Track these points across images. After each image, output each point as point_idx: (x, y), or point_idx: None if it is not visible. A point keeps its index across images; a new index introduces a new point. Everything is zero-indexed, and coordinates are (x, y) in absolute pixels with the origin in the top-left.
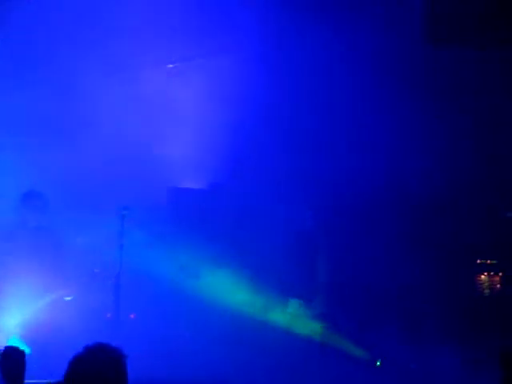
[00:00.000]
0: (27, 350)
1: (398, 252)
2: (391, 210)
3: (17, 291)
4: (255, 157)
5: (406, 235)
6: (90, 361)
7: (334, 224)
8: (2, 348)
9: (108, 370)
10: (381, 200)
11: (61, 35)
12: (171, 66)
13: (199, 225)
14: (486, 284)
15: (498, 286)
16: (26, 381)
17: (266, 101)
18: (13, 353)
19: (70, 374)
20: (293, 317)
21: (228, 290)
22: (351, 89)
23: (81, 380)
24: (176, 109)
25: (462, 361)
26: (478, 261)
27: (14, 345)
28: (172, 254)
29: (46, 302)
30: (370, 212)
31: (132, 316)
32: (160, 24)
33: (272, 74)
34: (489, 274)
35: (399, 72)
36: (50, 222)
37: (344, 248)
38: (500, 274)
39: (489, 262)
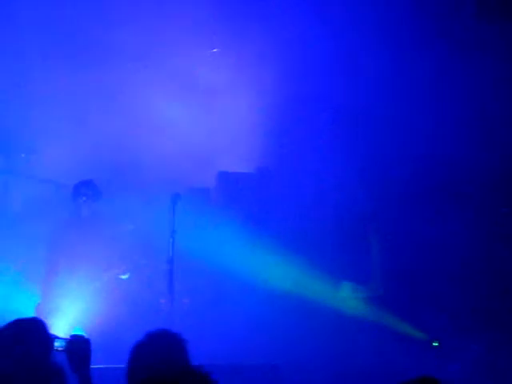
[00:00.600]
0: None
1: (452, 233)
2: (443, 192)
3: (72, 281)
4: (305, 139)
5: (461, 217)
6: (153, 347)
7: (389, 204)
8: (69, 336)
9: (170, 356)
10: (433, 181)
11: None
12: (215, 50)
13: (250, 209)
14: None
15: None
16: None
17: (315, 82)
18: (78, 340)
19: (133, 359)
20: (346, 299)
21: (281, 273)
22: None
23: (144, 365)
24: (223, 93)
25: None
26: None
27: (78, 333)
28: (225, 240)
29: (103, 283)
30: (424, 192)
31: (185, 301)
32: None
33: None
34: None
35: None
36: (102, 211)
37: (399, 229)
38: None
39: None
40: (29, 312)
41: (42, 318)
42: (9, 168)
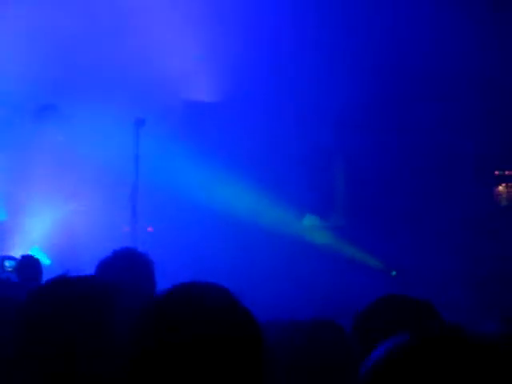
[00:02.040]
0: (47, 261)
1: (413, 163)
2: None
3: (39, 203)
4: (270, 68)
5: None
6: (120, 263)
7: (352, 137)
8: (19, 257)
9: (139, 274)
10: (395, 108)
11: None
12: None
13: (214, 138)
14: (504, 195)
15: None
16: None
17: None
18: (28, 261)
19: (100, 273)
20: (308, 229)
21: (245, 202)
22: None
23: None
24: (197, 22)
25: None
26: (496, 172)
27: (32, 254)
28: (188, 168)
29: (66, 211)
30: (385, 126)
31: (149, 229)
32: None
33: None
34: (507, 186)
35: None
36: (68, 136)
37: (360, 162)
38: None
39: (507, 173)
40: None
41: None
42: None
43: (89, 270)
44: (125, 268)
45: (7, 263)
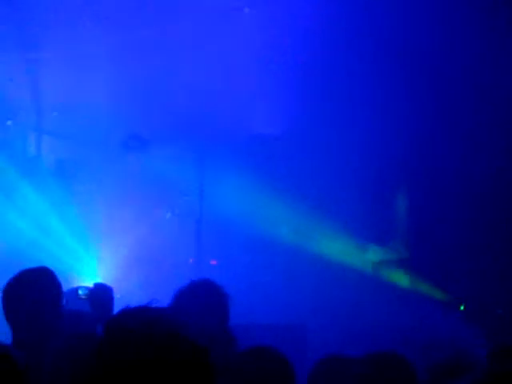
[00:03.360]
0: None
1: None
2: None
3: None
4: (330, 99)
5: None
6: (197, 293)
7: (416, 163)
8: (92, 285)
9: (214, 305)
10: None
11: None
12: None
13: (278, 171)
14: None
15: None
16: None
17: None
18: (101, 289)
19: (175, 304)
20: (373, 262)
21: (310, 235)
22: None
23: (187, 311)
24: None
25: None
26: None
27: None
28: (255, 203)
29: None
30: (457, 151)
31: (213, 262)
32: None
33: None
34: None
35: None
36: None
37: (427, 190)
38: None
39: None
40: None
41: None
42: (41, 126)
43: (157, 300)
44: (202, 299)
45: (80, 291)
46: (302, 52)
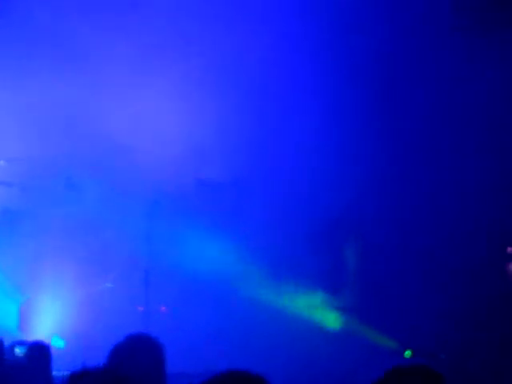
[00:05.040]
0: (61, 344)
1: (428, 242)
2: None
3: (57, 287)
4: (279, 146)
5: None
6: (132, 349)
7: (365, 212)
8: (30, 343)
9: (149, 359)
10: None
11: None
12: None
13: (224, 217)
14: None
15: None
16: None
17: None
18: (39, 347)
19: (111, 361)
20: (316, 308)
21: (255, 281)
22: None
23: (123, 367)
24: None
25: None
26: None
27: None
28: (201, 247)
29: (86, 291)
30: (401, 201)
31: (163, 309)
32: None
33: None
34: None
35: None
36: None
37: (375, 238)
38: None
39: None
40: (11, 312)
41: (27, 315)
42: None
43: (104, 351)
44: (136, 354)
45: (18, 349)
46: (256, 97)
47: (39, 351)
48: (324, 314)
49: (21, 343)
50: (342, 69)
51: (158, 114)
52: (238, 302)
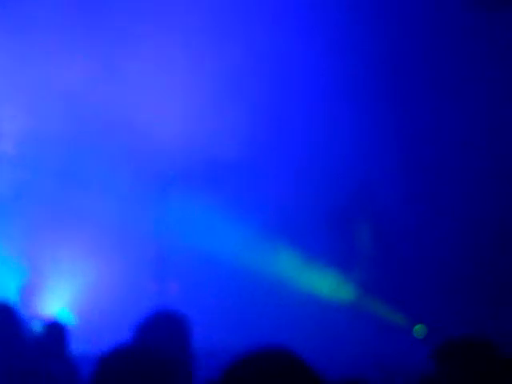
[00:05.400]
0: (73, 321)
1: (446, 220)
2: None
3: (63, 260)
4: (298, 125)
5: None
6: (161, 325)
7: (379, 189)
8: (46, 320)
9: (178, 337)
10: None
11: None
12: None
13: (238, 196)
14: None
15: None
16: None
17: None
18: (55, 325)
19: (137, 338)
20: (332, 285)
21: (268, 259)
22: None
23: (151, 344)
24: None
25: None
26: None
27: (58, 317)
28: (215, 225)
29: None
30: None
31: (174, 287)
32: None
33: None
34: None
35: None
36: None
37: (391, 215)
38: None
39: None
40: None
41: (29, 294)
42: None
43: (119, 328)
44: (164, 330)
45: (35, 324)
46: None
47: (56, 328)
48: (339, 290)
49: (37, 319)
50: (356, 48)
51: (173, 94)
52: (253, 280)
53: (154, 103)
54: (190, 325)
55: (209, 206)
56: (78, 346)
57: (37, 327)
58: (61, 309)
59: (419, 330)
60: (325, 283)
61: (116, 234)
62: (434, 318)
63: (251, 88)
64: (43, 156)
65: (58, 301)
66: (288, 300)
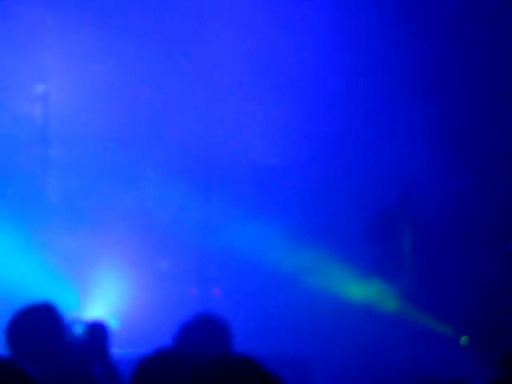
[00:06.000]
0: (116, 324)
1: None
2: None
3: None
4: (333, 133)
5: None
6: (202, 330)
7: (420, 196)
8: (88, 322)
9: (218, 342)
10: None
11: None
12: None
13: (280, 200)
14: None
15: None
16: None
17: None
18: (97, 326)
19: (178, 342)
20: (375, 294)
21: (309, 265)
22: None
23: (191, 348)
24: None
25: None
26: None
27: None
28: (256, 231)
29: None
30: (453, 185)
31: (216, 292)
32: None
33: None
34: None
35: None
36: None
37: (430, 226)
38: None
39: None
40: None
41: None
42: (48, 160)
43: (158, 332)
44: (206, 334)
45: (77, 327)
46: (305, 85)
47: (98, 330)
48: (381, 301)
49: (79, 322)
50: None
51: (208, 100)
52: (292, 289)
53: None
54: (230, 329)
55: (249, 209)
56: (119, 350)
57: (79, 330)
58: (103, 313)
59: (464, 340)
60: (368, 291)
61: (160, 237)
62: (476, 327)
63: (289, 90)
64: (95, 159)
65: (100, 305)
66: (331, 311)
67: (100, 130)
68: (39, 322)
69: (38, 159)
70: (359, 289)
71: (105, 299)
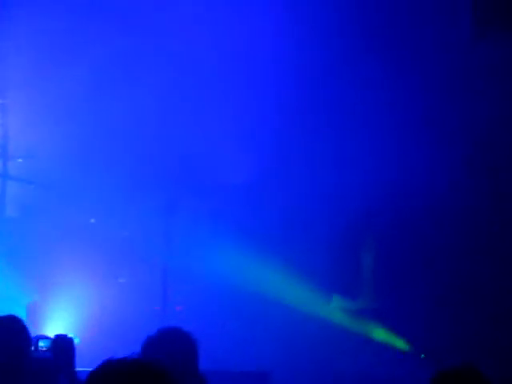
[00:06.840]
0: (77, 340)
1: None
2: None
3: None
4: (299, 152)
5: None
6: (167, 341)
7: (382, 218)
8: (53, 336)
9: (185, 353)
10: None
11: None
12: None
13: (245, 220)
14: None
15: None
16: (80, 368)
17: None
18: (63, 340)
19: (143, 353)
20: (336, 311)
21: (273, 283)
22: None
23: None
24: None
25: None
26: None
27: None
28: (218, 248)
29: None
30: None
31: (178, 308)
32: None
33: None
34: None
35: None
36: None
37: (393, 240)
38: None
39: None
40: (19, 308)
41: (35, 316)
42: (6, 172)
43: (121, 350)
44: (172, 347)
45: (41, 343)
46: (275, 103)
47: (64, 343)
48: (340, 315)
49: (43, 337)
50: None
51: (177, 115)
52: (255, 303)
53: (160, 121)
54: (194, 341)
55: (214, 228)
56: (82, 366)
57: (42, 345)
58: (65, 329)
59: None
60: (326, 305)
61: (123, 254)
62: (437, 344)
63: (259, 107)
64: (57, 172)
65: (62, 322)
66: (293, 325)
67: (60, 145)
68: (4, 336)
69: None
70: (322, 304)
71: (67, 316)
